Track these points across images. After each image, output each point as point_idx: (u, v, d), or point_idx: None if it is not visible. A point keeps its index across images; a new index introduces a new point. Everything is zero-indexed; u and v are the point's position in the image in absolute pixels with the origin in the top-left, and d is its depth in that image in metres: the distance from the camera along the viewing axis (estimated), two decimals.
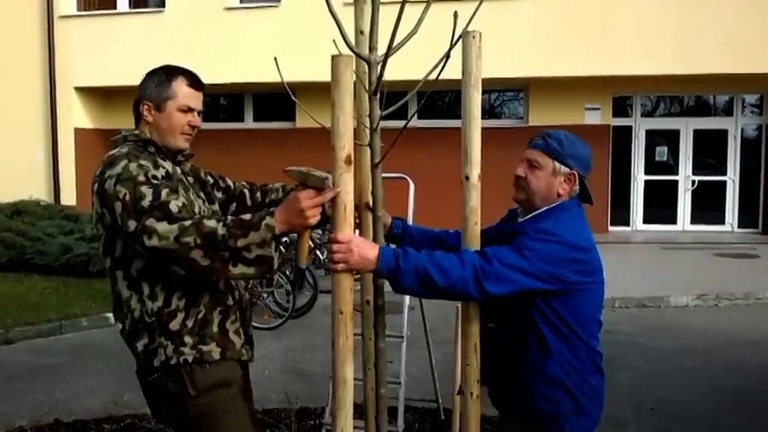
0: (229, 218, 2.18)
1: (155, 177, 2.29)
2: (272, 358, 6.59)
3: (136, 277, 2.34)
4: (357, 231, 2.34)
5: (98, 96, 15.20)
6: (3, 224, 11.11)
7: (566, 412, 2.34)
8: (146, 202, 2.19)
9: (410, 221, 3.94)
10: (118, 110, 15.06)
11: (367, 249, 2.11)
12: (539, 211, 2.40)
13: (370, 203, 2.31)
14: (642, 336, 7.38)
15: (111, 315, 8.08)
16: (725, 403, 5.42)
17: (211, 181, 2.72)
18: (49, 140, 14.78)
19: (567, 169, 2.36)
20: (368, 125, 2.20)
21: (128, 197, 2.22)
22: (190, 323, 2.36)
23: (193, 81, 2.50)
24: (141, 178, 2.25)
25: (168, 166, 2.45)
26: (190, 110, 2.48)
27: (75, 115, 14.88)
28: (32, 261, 10.30)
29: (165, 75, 2.48)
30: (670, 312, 8.59)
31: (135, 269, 2.33)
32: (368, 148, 2.23)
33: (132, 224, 2.19)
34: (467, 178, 2.22)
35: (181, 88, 2.47)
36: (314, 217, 2.15)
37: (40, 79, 14.73)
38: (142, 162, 2.32)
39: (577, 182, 2.38)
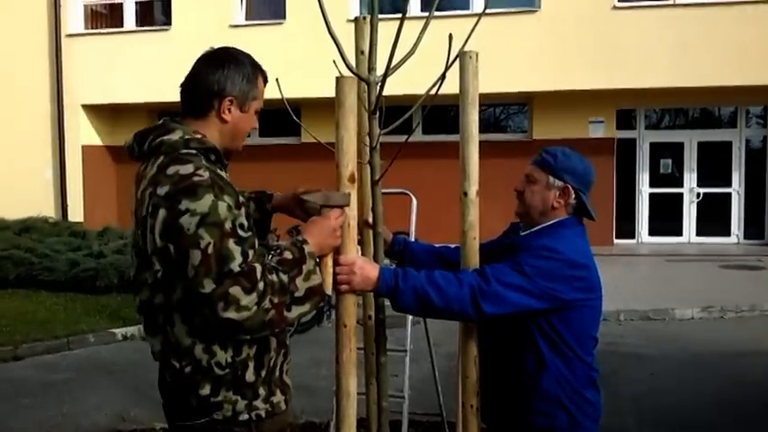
0: (273, 262, 2.00)
1: (242, 227, 1.95)
2: None
3: (201, 323, 1.96)
4: (359, 248, 2.39)
5: (105, 114, 15.33)
6: (11, 241, 11.17)
7: (560, 426, 2.36)
8: (234, 266, 1.88)
9: (412, 237, 3.97)
10: (125, 127, 15.16)
11: (369, 270, 2.17)
12: (539, 227, 2.44)
13: (370, 220, 2.35)
14: (647, 348, 7.38)
15: (117, 330, 8.14)
16: (729, 415, 5.41)
17: None
18: (57, 158, 14.91)
19: (560, 183, 2.40)
20: (368, 143, 2.25)
21: (211, 249, 1.87)
22: (263, 372, 2.10)
23: (266, 80, 2.22)
24: (229, 227, 1.90)
25: (226, 176, 2.12)
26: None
27: (83, 133, 15.01)
28: (40, 277, 10.34)
29: (252, 69, 2.14)
30: (675, 325, 8.58)
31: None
32: (368, 165, 2.28)
33: (209, 285, 1.87)
34: (465, 194, 2.27)
35: (262, 88, 2.19)
36: (340, 237, 2.16)
37: (47, 97, 14.87)
38: (228, 200, 1.93)
39: (573, 196, 2.42)
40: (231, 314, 1.87)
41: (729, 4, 12.44)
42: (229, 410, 2.05)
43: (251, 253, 1.93)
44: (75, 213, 14.75)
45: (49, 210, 14.32)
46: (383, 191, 2.29)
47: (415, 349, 4.67)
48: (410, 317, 4.54)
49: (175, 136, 2.06)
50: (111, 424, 5.32)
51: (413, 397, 4.48)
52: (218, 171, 2.05)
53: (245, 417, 2.07)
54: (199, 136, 2.08)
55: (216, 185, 1.93)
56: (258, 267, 1.92)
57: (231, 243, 1.89)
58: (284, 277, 1.97)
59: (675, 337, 7.92)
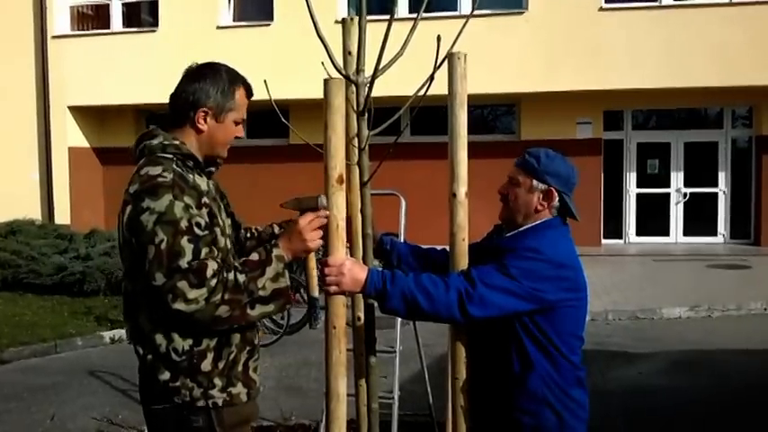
0: (236, 263, 2.15)
1: (198, 225, 2.10)
2: (266, 375, 6.60)
3: (162, 312, 2.12)
4: (348, 248, 2.39)
5: (92, 115, 15.25)
6: None
7: (547, 426, 2.36)
8: (183, 262, 2.04)
9: (401, 238, 3.98)
10: (112, 129, 15.12)
11: (357, 272, 2.18)
12: (523, 228, 2.44)
13: (359, 221, 2.35)
14: (635, 347, 7.42)
15: (105, 333, 8.10)
16: (717, 414, 5.45)
17: (225, 200, 2.52)
18: (44, 160, 14.81)
19: (543, 186, 2.41)
20: (356, 145, 2.25)
21: (164, 245, 2.04)
22: (221, 364, 2.23)
23: (250, 92, 2.35)
24: (184, 225, 2.07)
25: (204, 182, 2.27)
26: (242, 121, 2.35)
27: (70, 134, 14.91)
28: (27, 280, 10.28)
29: (228, 82, 2.28)
30: (663, 324, 8.63)
31: None
32: (357, 166, 2.28)
33: (160, 279, 2.04)
34: (454, 195, 2.28)
35: (241, 99, 2.31)
36: (314, 240, 2.19)
37: (33, 99, 14.77)
38: (187, 200, 2.11)
39: (557, 198, 2.42)
40: (180, 306, 2.03)
41: (716, 6, 12.54)
42: (187, 396, 2.20)
43: (204, 251, 2.09)
44: (62, 215, 14.66)
45: (35, 212, 14.22)
46: (372, 192, 2.29)
47: (405, 350, 4.68)
48: (399, 318, 4.55)
49: (155, 141, 2.24)
50: (100, 427, 5.29)
51: (402, 398, 4.49)
52: (190, 175, 2.20)
53: (201, 403, 2.21)
54: (177, 142, 2.24)
55: (176, 186, 2.11)
56: (211, 264, 2.07)
57: (184, 240, 2.06)
58: (241, 276, 2.10)
59: (663, 336, 7.96)
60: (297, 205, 2.24)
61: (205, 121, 2.27)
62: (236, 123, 2.32)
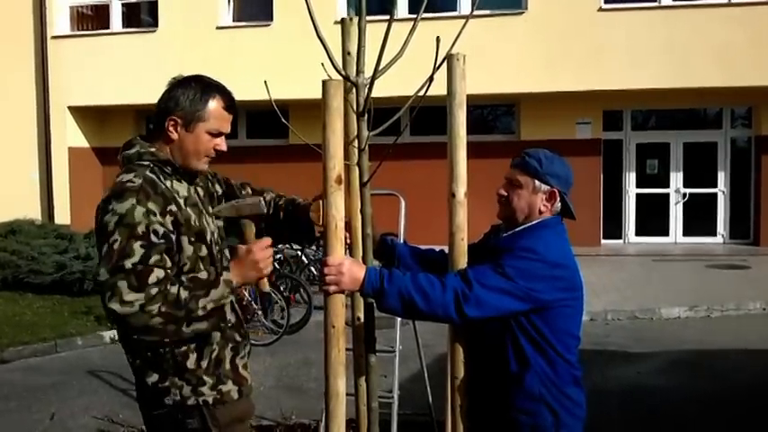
0: (184, 278, 2.14)
1: (155, 232, 2.11)
2: (266, 374, 6.61)
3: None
4: (348, 249, 2.40)
5: (92, 115, 15.26)
6: None
7: (544, 425, 2.37)
8: (128, 263, 2.05)
9: (401, 238, 3.99)
10: (112, 129, 15.12)
11: (356, 271, 2.19)
12: (520, 228, 2.46)
13: (359, 222, 2.36)
14: (634, 347, 7.43)
15: (105, 333, 8.11)
16: (716, 414, 5.46)
17: (219, 192, 2.53)
18: (43, 160, 14.82)
19: (547, 187, 2.43)
20: (356, 145, 2.26)
21: (116, 245, 2.07)
22: (205, 363, 2.26)
23: (229, 103, 2.30)
24: (140, 230, 2.08)
25: (184, 188, 2.29)
26: (219, 134, 2.30)
27: (69, 134, 14.92)
28: (27, 280, 10.28)
29: (201, 91, 2.25)
30: (662, 324, 8.65)
31: None
32: (357, 167, 2.29)
33: (104, 275, 2.06)
34: (453, 195, 2.29)
35: (216, 110, 2.26)
36: (268, 267, 2.22)
37: (33, 99, 14.78)
38: (150, 206, 2.12)
39: (558, 199, 2.44)
40: (114, 306, 2.03)
41: (716, 6, 12.56)
42: (177, 395, 2.24)
43: (155, 258, 2.09)
44: (62, 215, 14.66)
45: (35, 212, 14.21)
46: (372, 192, 2.30)
47: (405, 350, 4.69)
48: (398, 317, 4.56)
49: (132, 150, 2.27)
50: (100, 426, 5.30)
51: (402, 397, 4.50)
52: (167, 181, 2.22)
53: (192, 401, 2.25)
54: (153, 150, 2.26)
55: (142, 191, 2.13)
56: (156, 272, 2.08)
57: (136, 244, 2.07)
58: (184, 293, 2.09)
59: (662, 336, 7.97)
60: (235, 213, 2.23)
61: (175, 129, 2.25)
62: (212, 135, 2.28)
